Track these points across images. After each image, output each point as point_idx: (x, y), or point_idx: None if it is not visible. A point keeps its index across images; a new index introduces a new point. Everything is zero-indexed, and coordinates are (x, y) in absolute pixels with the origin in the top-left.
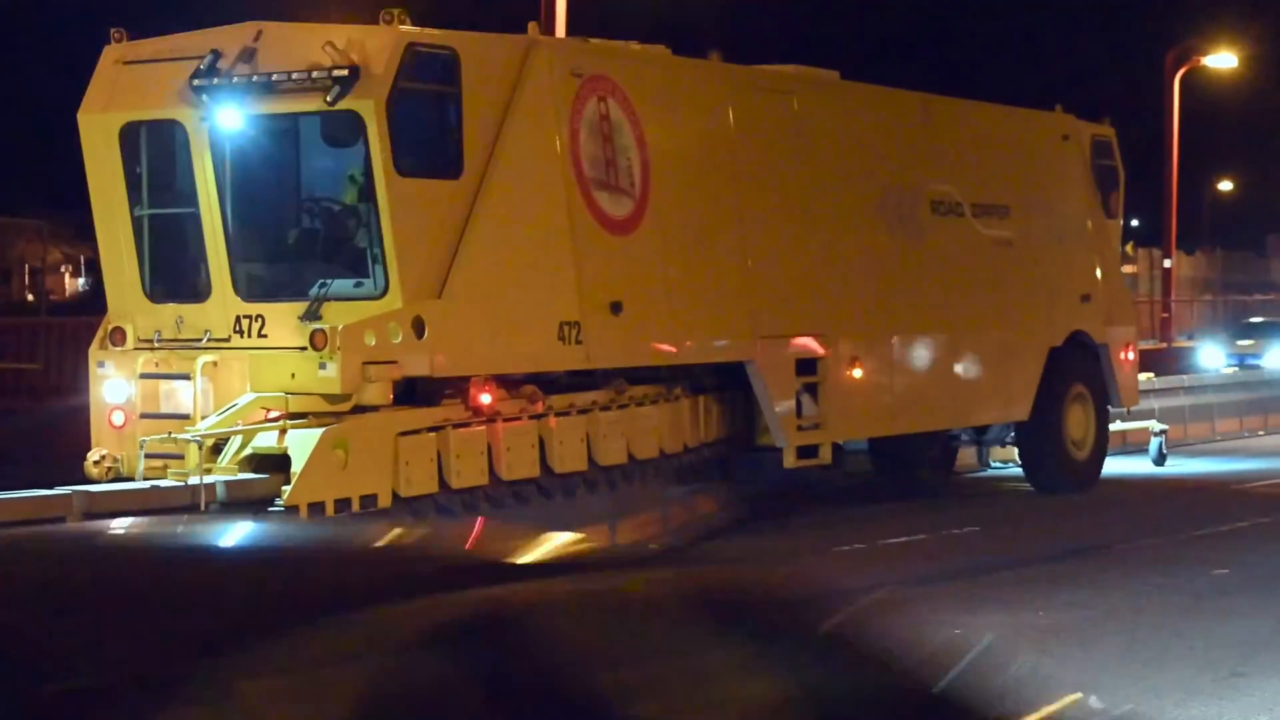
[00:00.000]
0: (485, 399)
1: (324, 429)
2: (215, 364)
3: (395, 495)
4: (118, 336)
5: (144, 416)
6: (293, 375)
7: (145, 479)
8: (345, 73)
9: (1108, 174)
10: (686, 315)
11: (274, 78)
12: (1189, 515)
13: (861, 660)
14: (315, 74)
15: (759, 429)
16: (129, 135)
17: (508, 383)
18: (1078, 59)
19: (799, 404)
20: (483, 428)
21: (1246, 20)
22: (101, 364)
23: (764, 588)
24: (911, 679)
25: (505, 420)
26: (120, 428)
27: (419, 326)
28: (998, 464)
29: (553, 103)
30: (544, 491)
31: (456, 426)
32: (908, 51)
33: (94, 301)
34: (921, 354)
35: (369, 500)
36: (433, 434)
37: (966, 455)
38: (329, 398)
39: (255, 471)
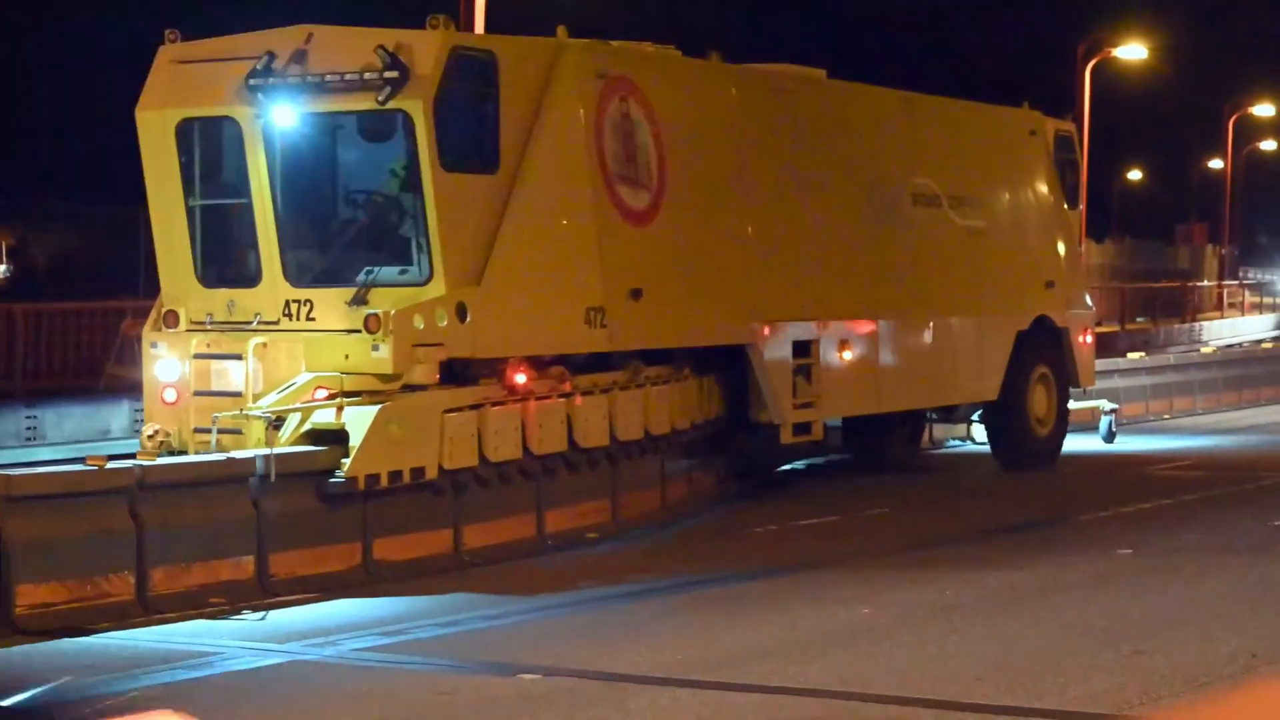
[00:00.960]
0: (520, 379)
1: (379, 406)
2: (265, 345)
3: (440, 468)
4: (170, 319)
5: (197, 394)
6: (346, 356)
7: (216, 450)
8: (396, 74)
9: (1069, 166)
10: (697, 301)
11: (327, 78)
12: (1116, 493)
13: None
14: (367, 75)
15: (756, 407)
16: (185, 131)
17: (538, 364)
18: (993, 48)
19: (795, 384)
20: (517, 405)
21: (1157, 12)
22: (155, 344)
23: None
24: None
25: (537, 399)
26: (173, 404)
27: (462, 311)
28: (955, 441)
29: (580, 102)
30: (570, 465)
31: (494, 405)
32: (815, 38)
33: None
34: (904, 337)
35: (418, 472)
36: (473, 411)
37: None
38: (381, 377)
39: (314, 445)
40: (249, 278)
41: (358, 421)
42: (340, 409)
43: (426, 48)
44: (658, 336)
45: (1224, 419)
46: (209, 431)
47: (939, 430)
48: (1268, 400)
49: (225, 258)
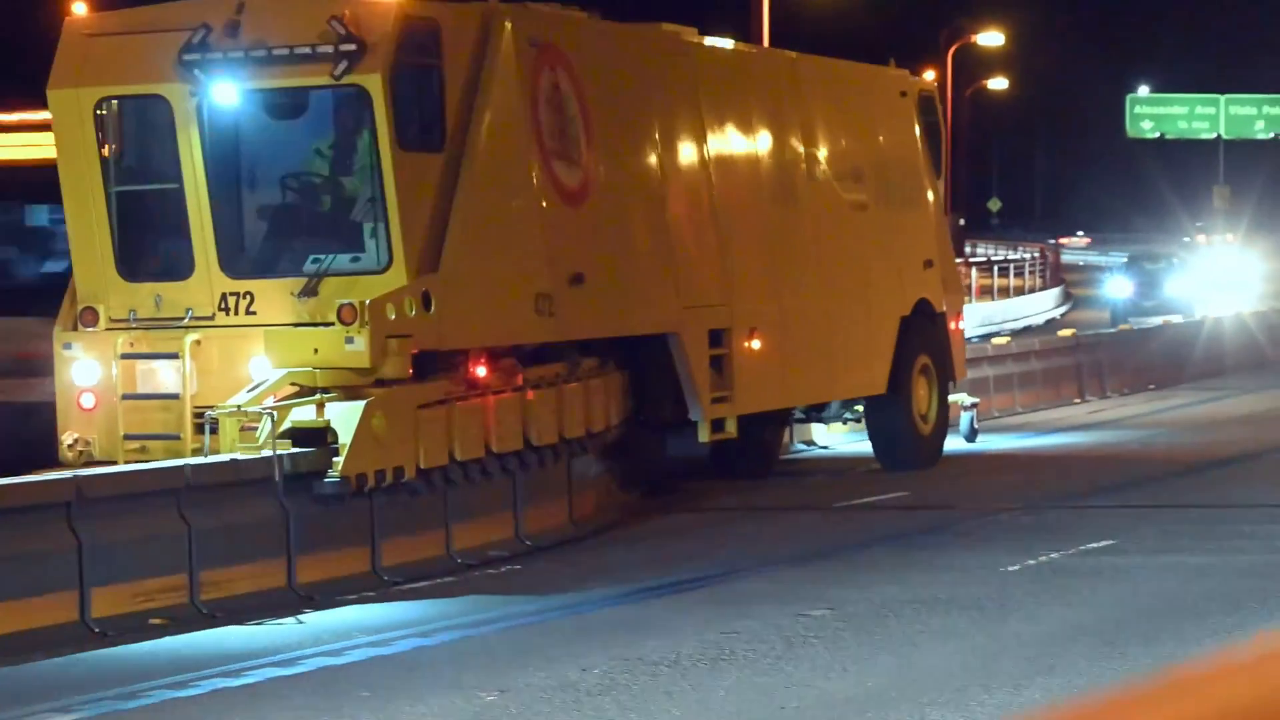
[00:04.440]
0: (481, 371)
1: (365, 401)
2: (199, 342)
3: (417, 468)
4: (88, 317)
5: (126, 397)
6: (315, 350)
7: (128, 460)
8: (353, 47)
9: (933, 131)
10: (630, 286)
11: (274, 51)
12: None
13: None
14: (320, 48)
15: (660, 404)
16: (104, 110)
17: (491, 355)
18: (858, 34)
19: (711, 376)
20: (479, 401)
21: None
22: (68, 345)
23: None
24: None
25: (495, 394)
26: (90, 410)
27: (427, 300)
28: (801, 445)
29: (517, 73)
30: (524, 464)
31: (458, 400)
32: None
33: None
34: (805, 326)
35: (399, 472)
36: (442, 407)
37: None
38: (355, 371)
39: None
40: (179, 270)
41: (344, 418)
42: (320, 406)
43: (379, 17)
44: (599, 325)
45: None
46: (140, 438)
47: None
48: (1066, 399)
49: (151, 249)
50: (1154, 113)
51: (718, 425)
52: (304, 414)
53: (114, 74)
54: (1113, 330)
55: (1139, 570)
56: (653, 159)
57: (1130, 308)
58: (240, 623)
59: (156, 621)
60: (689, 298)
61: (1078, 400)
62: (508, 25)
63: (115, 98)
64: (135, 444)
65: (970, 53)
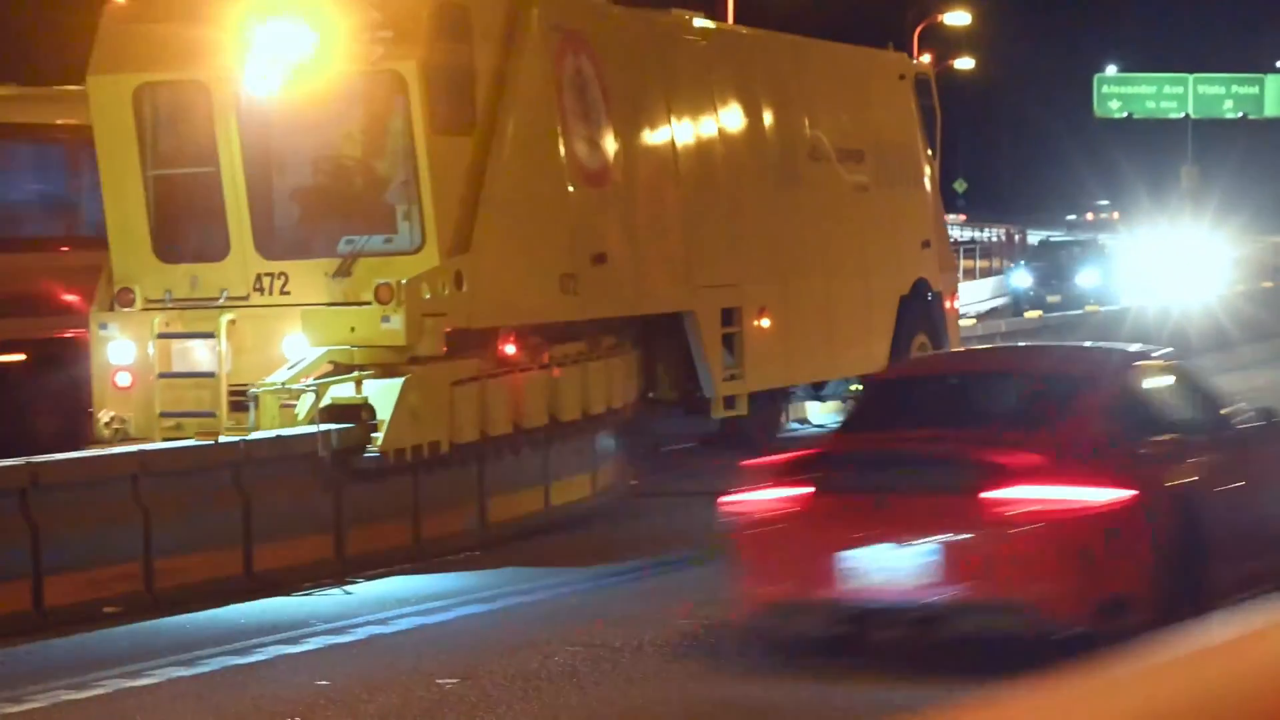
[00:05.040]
0: (510, 349)
1: (403, 378)
2: (234, 322)
3: (450, 443)
4: (125, 298)
5: (162, 376)
6: (352, 329)
7: (165, 437)
8: (389, 33)
9: (928, 114)
10: (648, 265)
11: (315, 38)
12: None
13: None
14: (356, 34)
15: (669, 383)
16: (144, 96)
17: (518, 334)
18: (823, 13)
19: (723, 354)
20: (509, 378)
21: None
22: (104, 325)
23: None
24: None
25: (522, 371)
26: (126, 389)
27: (459, 280)
28: (795, 424)
29: (544, 57)
30: (550, 439)
31: (489, 378)
32: None
33: None
34: (808, 304)
35: (434, 447)
36: (475, 384)
37: None
38: (391, 349)
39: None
40: (214, 251)
41: (383, 395)
42: (359, 383)
43: (414, 4)
44: (620, 304)
45: None
46: (176, 416)
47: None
48: None
49: (187, 231)
50: (1122, 92)
51: (729, 403)
52: (343, 391)
53: (154, 60)
54: (1080, 312)
55: None
56: (667, 141)
57: (1032, 298)
58: (289, 593)
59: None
60: (702, 277)
61: None
62: (534, 11)
63: (155, 83)
64: (171, 421)
65: (936, 33)
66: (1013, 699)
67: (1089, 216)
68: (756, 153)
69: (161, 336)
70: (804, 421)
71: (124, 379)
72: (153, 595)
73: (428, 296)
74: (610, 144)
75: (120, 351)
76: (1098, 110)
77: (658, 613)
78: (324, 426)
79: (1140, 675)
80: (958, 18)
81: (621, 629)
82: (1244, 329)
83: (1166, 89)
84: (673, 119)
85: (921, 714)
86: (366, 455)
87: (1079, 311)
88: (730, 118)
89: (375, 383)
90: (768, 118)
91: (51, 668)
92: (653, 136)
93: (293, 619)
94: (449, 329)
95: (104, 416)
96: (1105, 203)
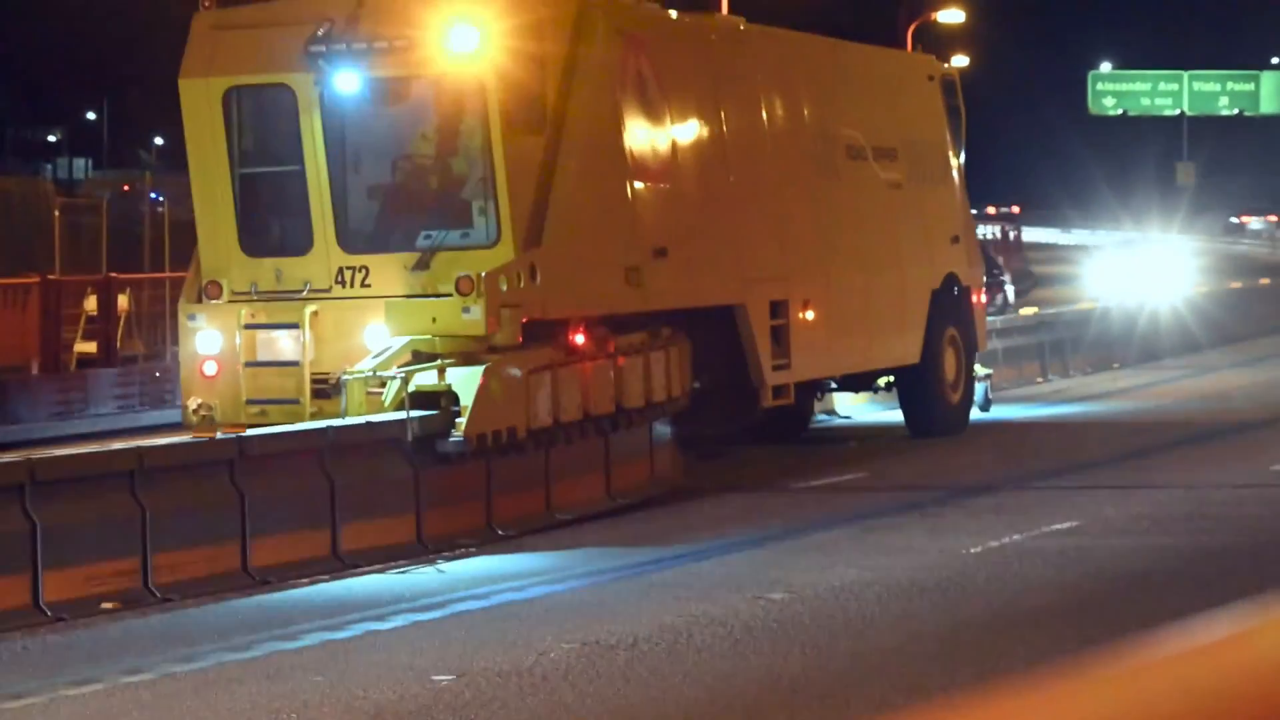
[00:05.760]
0: (579, 339)
1: (485, 365)
2: (316, 313)
3: (527, 429)
4: (212, 290)
5: (248, 365)
6: (434, 319)
7: (250, 423)
8: (468, 38)
9: (954, 114)
10: (705, 259)
11: (394, 42)
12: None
13: None
14: (436, 39)
15: (720, 372)
16: (232, 99)
17: (586, 324)
18: (817, 9)
19: (771, 345)
20: (578, 367)
21: None
22: (192, 317)
23: None
24: None
25: (590, 360)
26: (213, 377)
27: (533, 272)
28: (823, 415)
29: (608, 61)
30: (615, 426)
31: (561, 366)
32: None
33: None
34: (849, 297)
35: (512, 433)
36: (547, 372)
37: None
38: (471, 339)
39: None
40: (298, 246)
41: (465, 381)
42: (441, 370)
43: (491, 10)
44: (680, 296)
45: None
46: (261, 403)
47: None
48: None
49: (271, 227)
50: (1116, 89)
51: (777, 392)
52: (426, 378)
53: (242, 65)
54: (1074, 309)
55: (1102, 552)
56: (719, 140)
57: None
58: (380, 572)
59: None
60: (752, 270)
61: (1040, 380)
62: (599, 17)
63: (242, 86)
64: (256, 408)
65: (930, 30)
66: (1000, 697)
67: (990, 210)
68: (799, 150)
69: (248, 327)
70: (831, 413)
71: (211, 368)
72: (249, 575)
73: (505, 288)
74: (668, 142)
75: (208, 341)
76: (1092, 107)
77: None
78: (413, 413)
79: (1130, 674)
80: (951, 15)
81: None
82: (1211, 332)
83: (1162, 86)
84: (723, 118)
85: (910, 711)
86: (451, 440)
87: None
88: (775, 117)
89: (457, 370)
90: (809, 117)
91: (260, 621)
92: (706, 135)
93: (381, 596)
94: (524, 319)
95: (192, 403)
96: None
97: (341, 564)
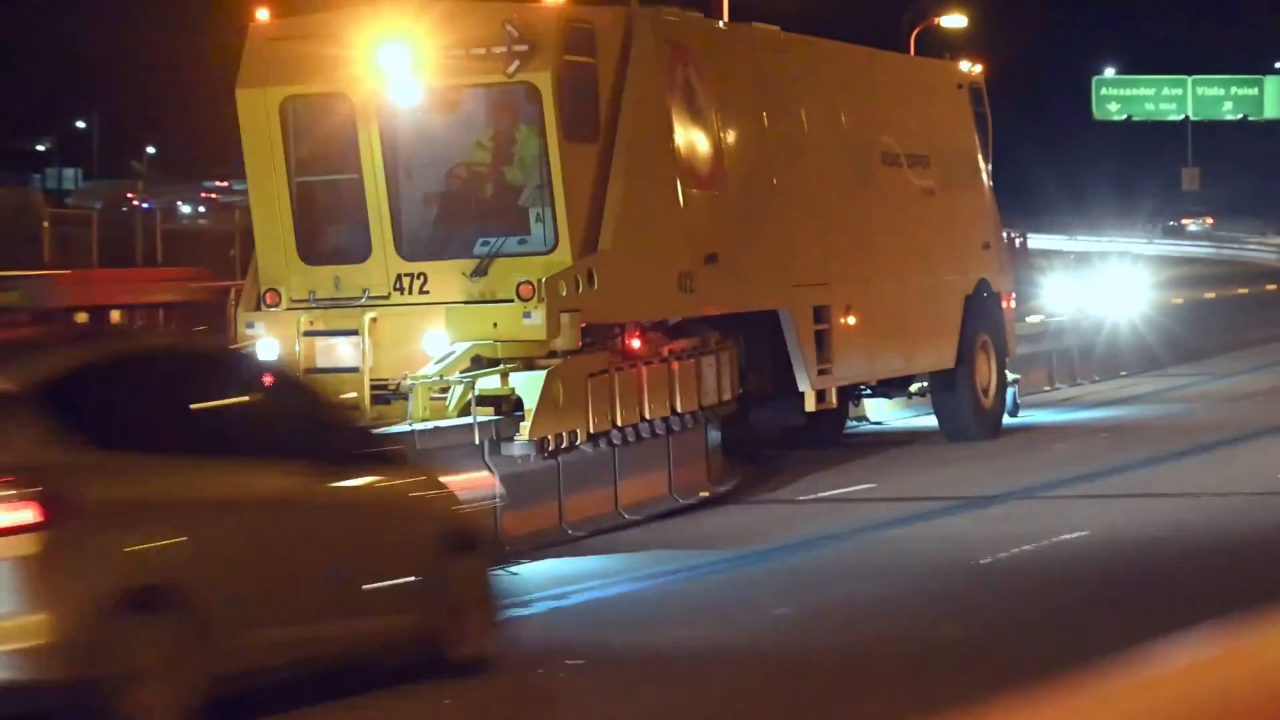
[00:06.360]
0: (635, 344)
1: (547, 370)
2: (375, 320)
3: (588, 432)
4: (271, 298)
5: (309, 372)
6: (495, 324)
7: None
8: (525, 48)
9: (981, 121)
10: (754, 264)
11: (451, 52)
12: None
13: None
14: (493, 49)
15: (762, 377)
16: (290, 108)
17: (642, 329)
18: (818, 14)
19: (815, 349)
20: (635, 371)
21: None
22: (250, 325)
23: None
24: None
25: (645, 364)
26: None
27: (590, 277)
28: (853, 421)
29: (658, 69)
30: (671, 429)
31: (618, 370)
32: None
33: None
34: (888, 303)
35: (573, 436)
36: (606, 376)
37: None
38: (533, 344)
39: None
40: (356, 253)
41: (529, 386)
42: (504, 375)
43: (546, 20)
44: (729, 301)
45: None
46: None
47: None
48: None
49: (329, 235)
50: (1120, 94)
51: (821, 396)
52: (490, 383)
53: (299, 75)
54: (1082, 316)
55: (1112, 562)
56: (763, 147)
57: None
58: None
59: None
60: (797, 276)
61: (1047, 388)
62: (648, 27)
63: (299, 96)
64: None
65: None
66: (1014, 710)
67: None
68: (838, 157)
69: (307, 334)
70: (862, 419)
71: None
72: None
73: (564, 293)
74: (715, 149)
75: (267, 349)
76: (1096, 113)
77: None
78: (481, 418)
79: (1135, 688)
80: (954, 20)
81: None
82: (1172, 350)
83: (1165, 90)
84: (767, 125)
85: None
86: (518, 443)
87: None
88: (815, 124)
89: (520, 374)
90: (846, 124)
91: None
92: (751, 142)
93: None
94: (583, 324)
95: None
96: None
97: None
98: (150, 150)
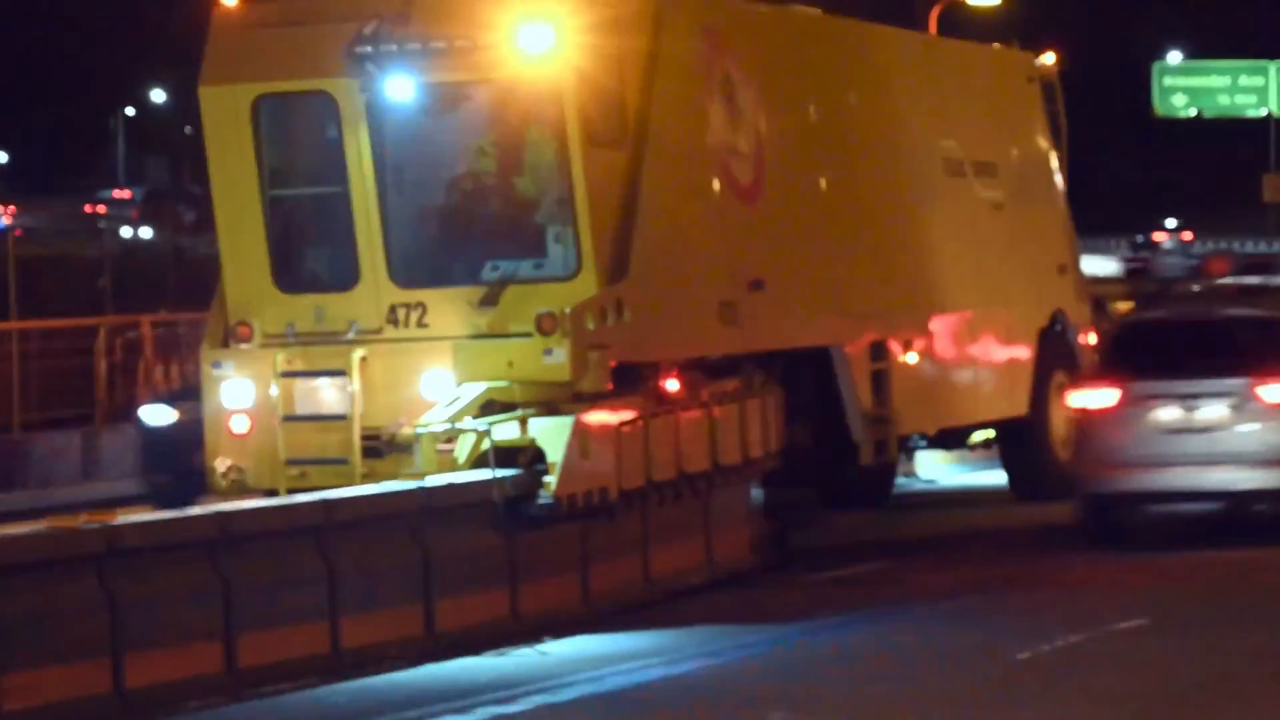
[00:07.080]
0: (672, 385)
1: (572, 416)
2: (365, 358)
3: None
4: (241, 332)
5: (287, 419)
6: (510, 363)
7: (290, 488)
8: (540, 37)
9: (1054, 121)
10: (805, 292)
11: (454, 43)
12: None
13: None
14: (502, 39)
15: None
16: (263, 108)
17: (679, 369)
18: None
19: (872, 393)
20: (671, 417)
21: None
22: (217, 364)
23: None
24: None
25: (684, 410)
26: (244, 435)
27: (619, 308)
28: (901, 479)
29: (691, 64)
30: (710, 485)
31: (653, 417)
32: None
33: None
34: (949, 338)
35: (604, 494)
36: (639, 423)
37: None
38: (554, 385)
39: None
40: (342, 280)
41: (551, 435)
42: (523, 422)
43: (564, 5)
44: (779, 335)
45: None
46: (303, 463)
47: None
48: None
49: (311, 257)
50: (1188, 85)
51: (879, 448)
52: (507, 432)
53: (273, 69)
54: None
55: (1175, 658)
56: (816, 152)
57: None
58: (476, 654)
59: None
60: (852, 306)
61: None
62: (681, 12)
63: (275, 94)
64: (296, 469)
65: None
66: None
67: None
68: (894, 163)
69: (284, 375)
70: (910, 475)
71: (241, 423)
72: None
73: (591, 327)
74: (760, 156)
75: (237, 393)
76: (1159, 107)
77: None
78: (499, 472)
79: None
80: None
81: None
82: None
83: (1243, 80)
84: (815, 128)
85: None
86: (540, 502)
87: None
88: (868, 125)
89: (541, 421)
90: (903, 123)
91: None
92: (799, 148)
93: (498, 681)
94: (612, 363)
95: (220, 465)
96: None
97: (435, 643)
98: None
